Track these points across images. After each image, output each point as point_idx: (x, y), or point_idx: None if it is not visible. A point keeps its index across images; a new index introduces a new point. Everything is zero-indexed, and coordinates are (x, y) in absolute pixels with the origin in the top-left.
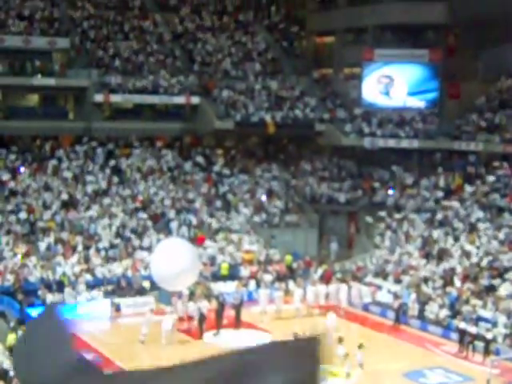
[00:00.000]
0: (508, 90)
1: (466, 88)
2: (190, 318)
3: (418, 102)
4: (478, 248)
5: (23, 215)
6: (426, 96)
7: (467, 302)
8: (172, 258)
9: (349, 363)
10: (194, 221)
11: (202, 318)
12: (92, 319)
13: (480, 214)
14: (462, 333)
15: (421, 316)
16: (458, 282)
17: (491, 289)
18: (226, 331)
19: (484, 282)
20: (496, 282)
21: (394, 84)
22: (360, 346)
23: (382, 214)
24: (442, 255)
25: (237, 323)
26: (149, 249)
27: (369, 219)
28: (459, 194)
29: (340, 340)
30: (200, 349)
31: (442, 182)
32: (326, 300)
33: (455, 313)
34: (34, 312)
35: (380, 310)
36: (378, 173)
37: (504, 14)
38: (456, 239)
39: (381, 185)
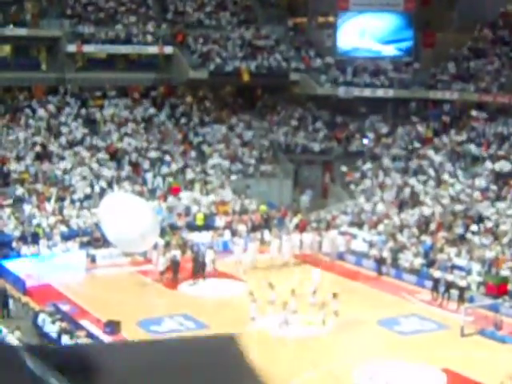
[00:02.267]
0: (483, 38)
1: (441, 37)
2: (168, 269)
3: (393, 51)
4: (452, 197)
5: None
6: (400, 45)
7: (442, 250)
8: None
9: (324, 311)
10: (169, 171)
11: (177, 267)
12: (67, 270)
13: (455, 162)
14: (436, 281)
15: (395, 264)
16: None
17: (465, 237)
18: (202, 281)
19: (458, 230)
20: (470, 230)
21: (368, 32)
22: (334, 295)
23: (357, 163)
24: (417, 204)
25: (212, 273)
26: None
27: (344, 168)
28: (434, 143)
29: (315, 291)
30: (175, 299)
31: (416, 131)
32: (300, 249)
33: (430, 261)
34: (9, 264)
35: (355, 258)
36: (353, 122)
37: None
38: (431, 188)
39: (356, 134)
